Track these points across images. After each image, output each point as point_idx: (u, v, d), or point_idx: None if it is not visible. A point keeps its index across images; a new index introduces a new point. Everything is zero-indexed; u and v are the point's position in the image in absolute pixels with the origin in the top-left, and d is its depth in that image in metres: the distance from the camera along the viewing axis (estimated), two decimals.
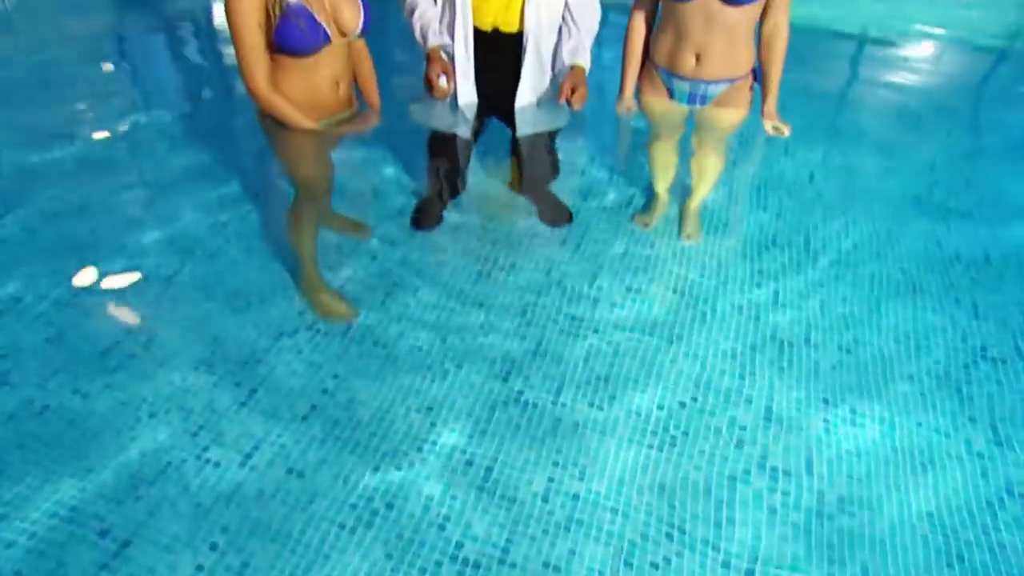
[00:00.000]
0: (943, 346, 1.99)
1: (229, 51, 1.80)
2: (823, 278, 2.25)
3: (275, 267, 2.22)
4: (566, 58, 2.06)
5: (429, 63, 1.98)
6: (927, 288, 2.21)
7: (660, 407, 1.79)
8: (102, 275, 2.17)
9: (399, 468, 1.60)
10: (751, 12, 2.01)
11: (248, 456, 1.62)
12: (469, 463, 1.63)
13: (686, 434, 1.72)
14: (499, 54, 2.11)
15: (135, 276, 2.18)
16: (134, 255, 2.26)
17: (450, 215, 2.48)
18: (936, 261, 2.34)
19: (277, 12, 1.71)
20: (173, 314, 2.04)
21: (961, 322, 2.08)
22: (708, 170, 2.40)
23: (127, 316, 2.03)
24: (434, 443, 1.67)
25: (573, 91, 1.96)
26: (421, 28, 2.02)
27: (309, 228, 2.07)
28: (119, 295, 2.10)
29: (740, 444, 1.69)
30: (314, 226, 2.08)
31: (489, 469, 1.62)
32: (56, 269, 2.18)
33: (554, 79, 2.17)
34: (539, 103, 2.20)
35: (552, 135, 2.39)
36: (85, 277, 2.16)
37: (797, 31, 2.11)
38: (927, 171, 2.93)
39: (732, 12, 1.99)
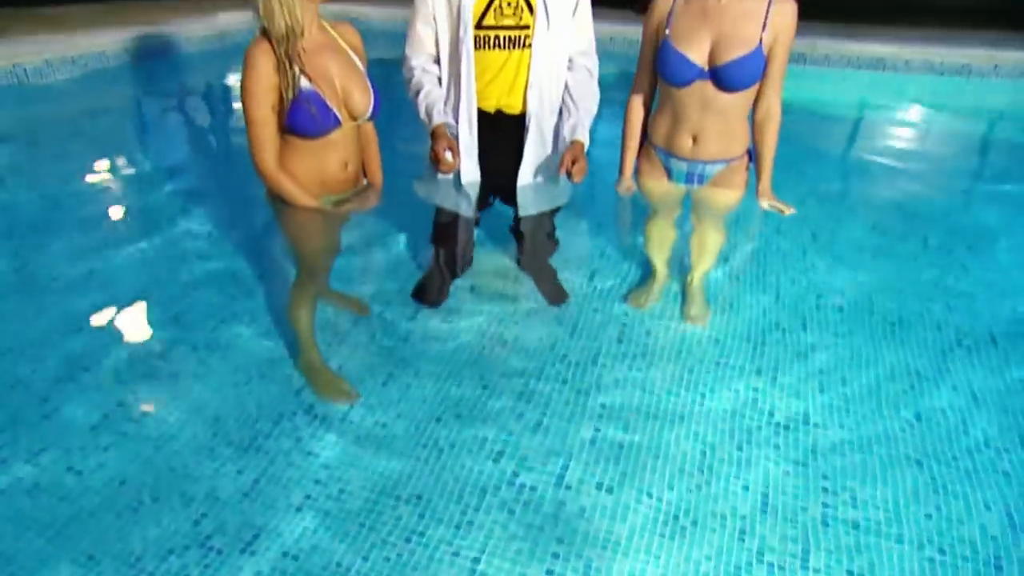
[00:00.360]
0: (946, 430, 1.97)
1: (242, 126, 1.85)
2: (821, 361, 2.24)
3: (276, 344, 2.22)
4: (566, 135, 2.13)
5: (435, 139, 2.03)
6: (927, 372, 2.20)
7: (661, 496, 1.76)
8: (100, 347, 2.18)
9: (387, 559, 1.57)
10: (745, 96, 2.08)
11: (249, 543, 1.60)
12: (455, 554, 1.58)
13: (695, 523, 1.68)
14: (502, 134, 2.18)
15: (134, 348, 2.19)
16: (134, 327, 2.28)
17: (455, 289, 2.50)
18: (935, 344, 2.32)
19: (290, 96, 1.77)
20: (171, 389, 2.04)
21: (961, 407, 2.05)
22: (709, 246, 2.43)
23: (124, 390, 2.03)
24: (422, 534, 1.63)
25: (573, 163, 2.01)
26: (426, 107, 2.08)
27: (308, 305, 2.09)
28: (117, 368, 2.10)
29: (742, 536, 1.65)
30: (313, 304, 2.11)
31: (476, 560, 1.58)
32: (56, 339, 2.19)
33: (554, 157, 2.23)
34: (540, 182, 2.26)
35: (553, 213, 2.43)
36: (83, 349, 2.17)
37: (790, 109, 2.16)
38: (923, 250, 2.95)
39: (726, 96, 2.06)
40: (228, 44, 6.12)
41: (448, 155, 1.99)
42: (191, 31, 5.89)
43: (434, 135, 2.04)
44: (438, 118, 2.06)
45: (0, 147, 3.78)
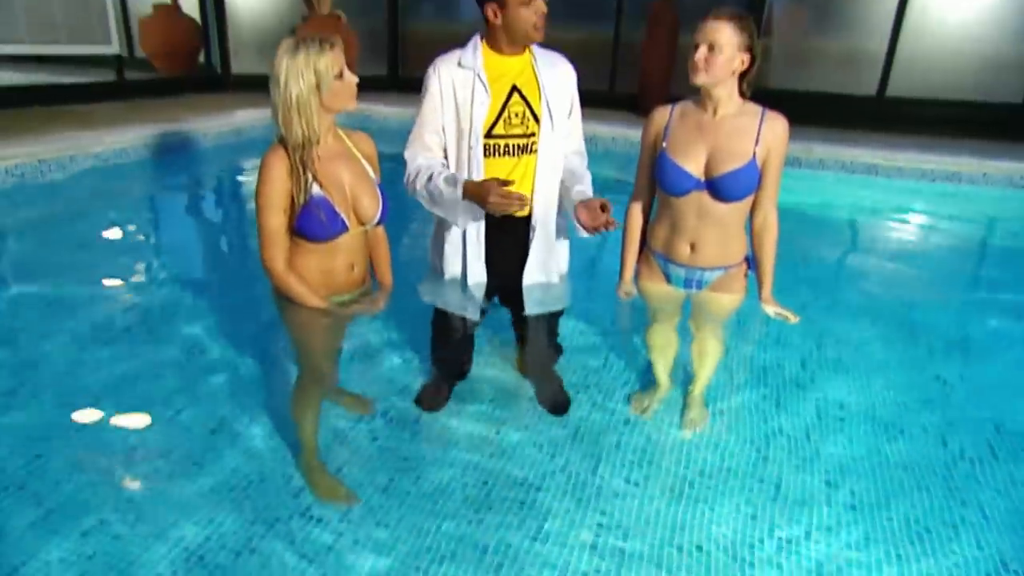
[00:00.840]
0: (959, 550, 1.91)
1: (253, 221, 1.89)
2: (824, 472, 2.21)
3: (276, 444, 2.20)
4: (574, 197, 2.13)
5: (485, 188, 1.95)
6: (933, 488, 2.15)
7: None
8: (97, 446, 2.16)
9: None
10: (741, 206, 2.14)
11: None
12: None
13: None
14: (506, 234, 2.23)
15: (131, 447, 2.16)
16: (133, 425, 2.26)
17: (456, 394, 2.48)
18: (939, 457, 2.28)
19: (301, 200, 1.83)
20: (167, 491, 2.00)
21: (973, 522, 2.00)
22: (708, 355, 2.43)
23: (119, 493, 1.99)
24: None
25: (601, 209, 1.98)
26: (446, 177, 2.06)
27: (312, 406, 2.08)
28: (113, 467, 2.07)
29: None
30: (317, 405, 2.09)
31: None
32: (54, 437, 2.18)
33: (557, 258, 2.29)
34: (545, 282, 2.30)
35: (555, 317, 2.45)
36: (80, 448, 2.14)
37: (788, 212, 2.20)
38: (924, 359, 2.94)
39: (723, 206, 2.11)
40: (244, 139, 6.37)
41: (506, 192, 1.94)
42: (209, 128, 6.14)
43: (476, 189, 1.98)
44: (462, 177, 2.05)
45: (18, 238, 3.90)
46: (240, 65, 8.49)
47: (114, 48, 6.93)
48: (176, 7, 8.36)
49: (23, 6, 6.07)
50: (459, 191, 2.01)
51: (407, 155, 2.20)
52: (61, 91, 6.69)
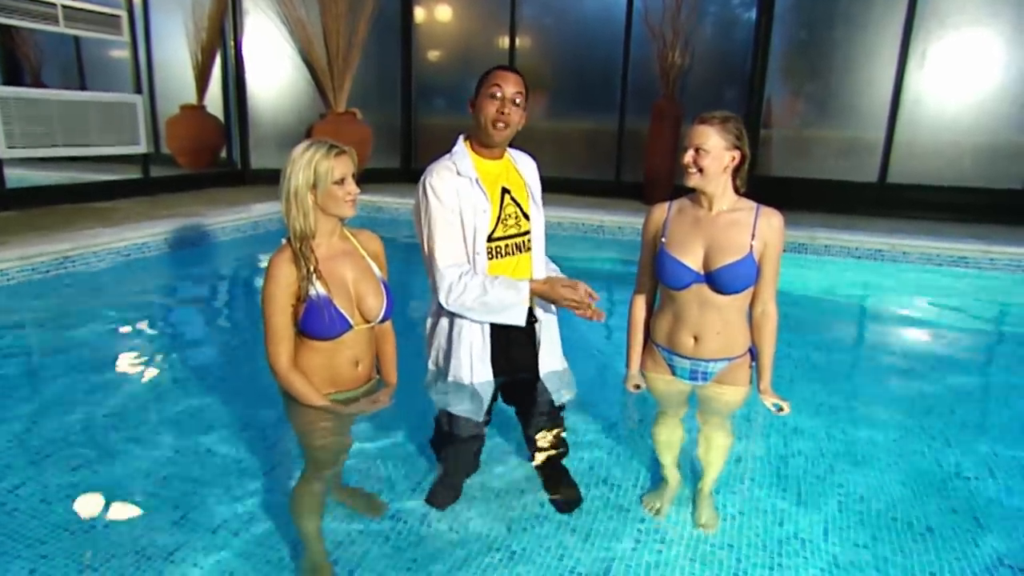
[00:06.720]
0: None
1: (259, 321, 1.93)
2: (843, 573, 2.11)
3: (280, 545, 2.15)
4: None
5: (560, 291, 2.10)
6: None
7: None
8: (100, 543, 2.12)
9: None
10: (742, 298, 2.18)
11: None
12: None
13: None
14: (515, 332, 2.26)
15: (136, 551, 2.10)
16: (136, 531, 2.21)
17: (466, 490, 2.43)
18: (974, 561, 2.16)
19: (305, 298, 1.88)
20: None
21: None
22: (716, 449, 2.39)
23: None
24: None
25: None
26: (506, 283, 2.13)
27: (313, 504, 2.05)
28: (120, 568, 2.01)
29: None
30: (319, 501, 2.07)
31: None
32: (59, 534, 2.15)
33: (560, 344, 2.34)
34: (559, 371, 2.36)
35: (559, 411, 2.45)
36: (83, 546, 2.11)
37: (795, 299, 2.20)
38: (943, 449, 2.86)
39: (723, 298, 2.14)
40: (261, 232, 6.57)
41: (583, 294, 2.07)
42: (226, 221, 6.34)
43: (541, 289, 2.14)
44: (524, 283, 2.14)
45: (38, 331, 4.00)
46: (259, 160, 8.84)
47: (142, 147, 7.27)
48: (201, 107, 8.82)
49: (58, 114, 6.43)
50: (522, 295, 2.10)
51: (439, 273, 2.14)
52: (89, 188, 6.98)
